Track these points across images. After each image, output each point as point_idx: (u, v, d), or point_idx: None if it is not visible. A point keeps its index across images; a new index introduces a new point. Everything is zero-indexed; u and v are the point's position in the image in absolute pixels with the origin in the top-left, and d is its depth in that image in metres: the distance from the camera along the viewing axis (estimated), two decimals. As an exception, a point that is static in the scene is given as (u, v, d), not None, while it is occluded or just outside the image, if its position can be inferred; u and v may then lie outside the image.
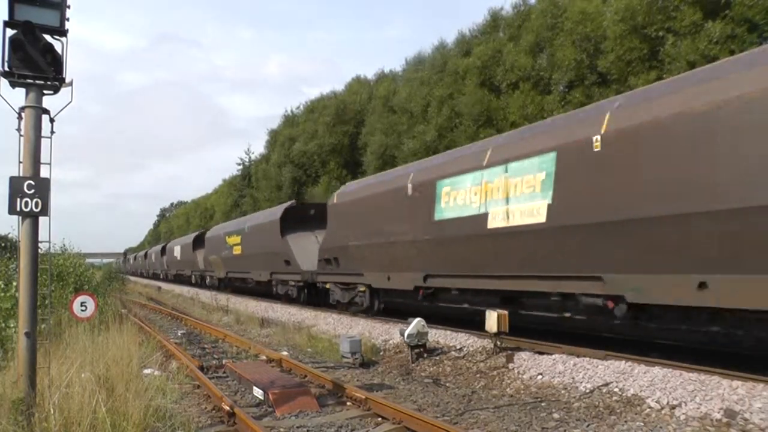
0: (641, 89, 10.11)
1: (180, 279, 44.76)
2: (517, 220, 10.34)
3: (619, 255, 8.56)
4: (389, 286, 14.88)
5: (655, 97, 8.28)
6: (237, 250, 27.14)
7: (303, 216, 21.30)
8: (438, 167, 13.16)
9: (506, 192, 10.69)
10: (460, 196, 11.90)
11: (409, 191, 13.65)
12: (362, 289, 16.35)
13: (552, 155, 9.64)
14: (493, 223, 10.89)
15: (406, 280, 13.97)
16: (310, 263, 19.49)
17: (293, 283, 21.61)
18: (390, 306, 16.20)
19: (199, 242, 36.68)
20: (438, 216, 12.48)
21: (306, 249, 20.20)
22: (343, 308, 17.58)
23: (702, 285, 7.40)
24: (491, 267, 11.21)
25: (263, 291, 25.97)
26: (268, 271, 23.29)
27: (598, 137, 8.79)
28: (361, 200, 16.20)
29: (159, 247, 57.30)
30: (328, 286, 18.27)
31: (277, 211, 22.60)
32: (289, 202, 23.92)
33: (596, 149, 8.81)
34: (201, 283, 37.13)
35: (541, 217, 9.73)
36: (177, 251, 43.63)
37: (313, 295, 20.41)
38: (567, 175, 9.36)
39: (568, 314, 11.41)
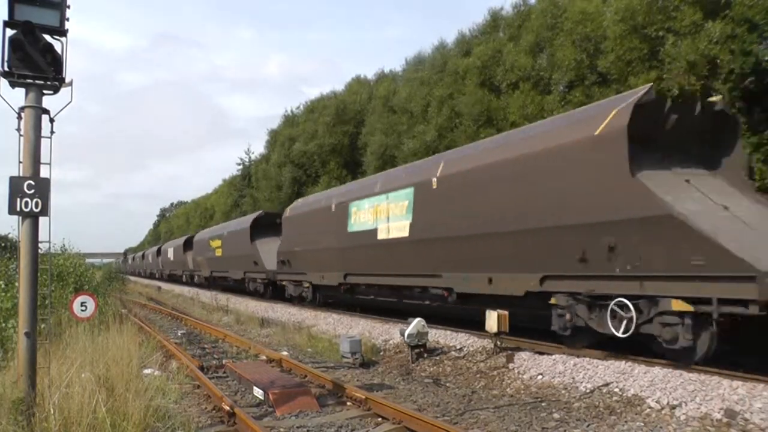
0: (460, 148, 14.66)
1: (173, 278, 48.28)
2: (394, 234, 14.35)
3: (449, 260, 12.49)
4: (323, 282, 18.78)
5: (462, 156, 12.83)
6: (218, 252, 31.16)
7: (270, 224, 25.02)
8: (350, 192, 17.56)
9: (386, 213, 14.76)
10: (362, 215, 16.07)
11: (333, 209, 17.80)
12: (306, 285, 20.30)
13: (411, 189, 13.82)
14: (380, 236, 14.91)
15: (332, 278, 17.83)
16: (272, 264, 23.00)
17: (260, 281, 25.32)
18: (328, 298, 20.08)
19: (188, 245, 40.76)
20: (350, 229, 16.61)
21: (271, 252, 23.43)
22: (295, 301, 21.42)
23: (490, 280, 11.31)
24: (382, 268, 15.18)
25: (239, 288, 29.00)
26: (242, 271, 27.17)
27: (435, 179, 12.95)
28: (303, 214, 20.43)
29: (155, 248, 61.91)
30: (284, 283, 22.22)
31: (248, 219, 26.97)
32: (257, 213, 28.06)
33: (434, 187, 12.95)
34: (191, 282, 40.84)
35: (406, 233, 13.85)
36: (170, 253, 47.94)
37: (275, 291, 23.90)
38: (419, 204, 13.46)
39: (427, 302, 15.27)
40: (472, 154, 12.42)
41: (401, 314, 14.53)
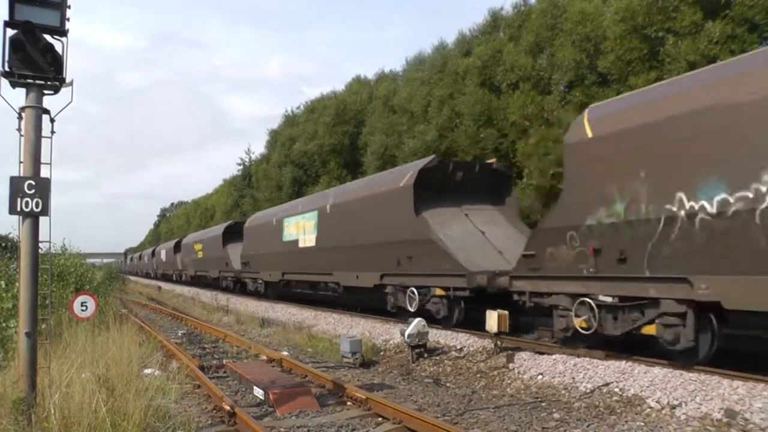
0: (347, 184, 20.70)
1: (166, 277, 52.74)
2: (307, 243, 19.34)
3: (340, 262, 16.97)
4: (270, 279, 23.89)
5: (342, 191, 18.36)
6: (200, 255, 36.36)
7: (239, 231, 28.89)
8: (285, 210, 22.84)
9: (303, 228, 19.84)
10: (291, 228, 21.10)
11: (274, 223, 22.85)
12: (260, 281, 25.49)
13: (316, 212, 18.93)
14: (301, 245, 19.93)
15: (275, 275, 22.90)
16: (238, 264, 28.02)
17: (230, 278, 30.54)
18: (274, 292, 24.87)
19: (178, 247, 45.84)
20: (284, 239, 21.58)
21: (237, 255, 28.30)
22: (253, 295, 26.47)
23: (357, 276, 15.96)
24: (304, 269, 20.09)
25: (215, 284, 33.38)
26: (218, 270, 32.37)
27: (329, 206, 18.08)
28: (258, 226, 25.53)
29: (150, 250, 68.05)
30: (246, 280, 27.31)
31: (221, 227, 32.66)
32: (228, 222, 33.84)
33: (329, 211, 18.01)
34: (179, 280, 46.08)
35: (313, 243, 18.88)
36: (163, 254, 53.27)
37: (241, 287, 28.69)
38: (321, 223, 18.45)
39: (331, 293, 19.31)
40: (347, 191, 18.03)
41: (318, 303, 20.77)
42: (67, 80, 5.52)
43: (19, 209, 5.27)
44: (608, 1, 17.60)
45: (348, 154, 32.09)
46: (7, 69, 5.25)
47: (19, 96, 5.43)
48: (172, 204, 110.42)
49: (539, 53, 19.99)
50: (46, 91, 5.49)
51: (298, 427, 6.59)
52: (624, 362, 8.43)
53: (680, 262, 7.68)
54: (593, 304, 8.94)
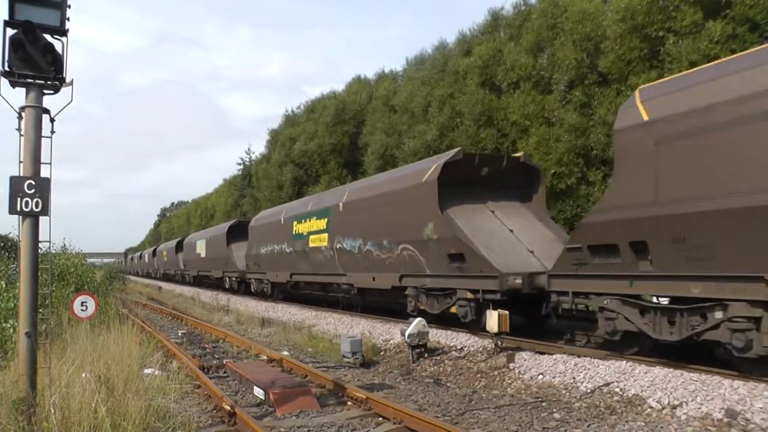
0: (362, 180, 19.68)
1: (167, 277, 51.67)
2: (318, 243, 18.58)
3: (354, 263, 16.32)
4: (277, 280, 23.15)
5: (362, 187, 17.09)
6: (203, 254, 35.55)
7: (243, 230, 28.20)
8: (293, 209, 22.06)
9: (314, 227, 18.98)
10: (300, 227, 20.28)
11: (282, 221, 22.14)
12: (266, 282, 24.62)
13: (328, 210, 18.16)
14: (311, 244, 19.15)
15: (283, 276, 22.15)
16: (243, 264, 27.43)
17: (234, 279, 29.65)
18: (281, 293, 24.25)
19: (179, 247, 45.09)
20: (293, 238, 20.67)
21: (242, 255, 27.67)
22: (259, 296, 25.56)
23: (374, 278, 15.31)
24: (314, 269, 19.36)
25: (218, 285, 32.63)
26: (221, 270, 31.56)
27: (342, 203, 17.23)
28: (264, 225, 24.67)
29: (151, 249, 67.14)
30: (251, 280, 26.44)
31: (225, 226, 31.77)
32: (233, 221, 32.94)
33: (342, 210, 17.22)
34: (181, 281, 44.97)
35: (325, 242, 18.03)
36: (164, 254, 52.36)
37: (246, 287, 27.83)
38: (334, 221, 17.62)
39: (344, 295, 18.33)
40: (363, 187, 16.90)
41: (330, 304, 19.90)
42: (67, 80, 5.51)
43: (19, 209, 5.26)
44: (608, 0, 17.59)
45: (348, 153, 32.09)
46: (7, 69, 5.24)
47: (19, 96, 5.43)
48: (173, 204, 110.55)
49: (540, 53, 19.99)
50: (46, 91, 5.48)
51: (298, 427, 6.59)
52: (624, 362, 8.42)
53: (756, 259, 6.85)
54: (646, 305, 8.28)
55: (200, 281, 37.93)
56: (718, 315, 7.44)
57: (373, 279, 15.40)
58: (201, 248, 35.94)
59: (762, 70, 7.04)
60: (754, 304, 7.04)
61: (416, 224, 12.98)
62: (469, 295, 11.66)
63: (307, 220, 19.68)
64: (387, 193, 14.70)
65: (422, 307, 13.33)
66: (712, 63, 8.63)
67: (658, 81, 9.39)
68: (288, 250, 21.26)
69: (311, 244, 19.11)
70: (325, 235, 18.00)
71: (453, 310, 12.36)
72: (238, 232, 29.45)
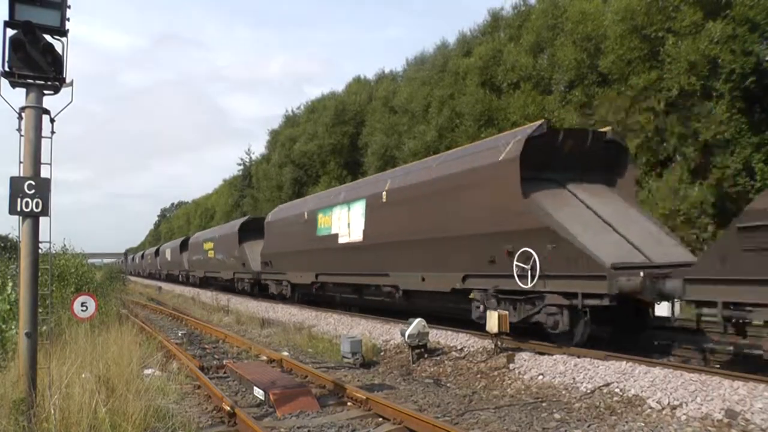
0: (411, 164, 16.38)
1: (170, 278, 49.87)
2: (352, 238, 16.10)
3: (400, 261, 13.92)
4: (300, 281, 20.54)
5: (412, 170, 14.42)
6: (210, 254, 33.21)
7: (256, 228, 26.07)
8: (319, 201, 19.58)
9: (346, 220, 16.52)
10: (327, 220, 17.87)
11: (305, 215, 19.57)
12: (285, 284, 22.23)
13: (364, 200, 15.65)
14: (341, 240, 16.64)
15: (306, 277, 19.61)
16: (257, 265, 24.90)
17: (247, 280, 27.39)
18: (304, 296, 21.72)
19: (184, 246, 42.79)
20: (319, 233, 18.25)
21: (256, 254, 25.23)
22: (277, 298, 23.32)
23: (423, 278, 13.12)
24: (345, 269, 16.71)
25: (229, 287, 30.50)
26: (232, 271, 29.32)
27: (385, 192, 14.63)
28: (282, 220, 22.26)
29: (154, 249, 64.49)
30: (267, 282, 24.24)
31: (237, 224, 29.16)
32: (245, 217, 30.70)
33: (385, 199, 14.58)
34: (186, 282, 42.70)
35: (360, 238, 15.57)
36: (168, 253, 49.89)
37: (260, 290, 25.88)
38: (372, 213, 15.14)
39: (384, 298, 15.57)
40: (414, 171, 14.41)
41: (365, 310, 17.27)
42: (68, 80, 5.52)
43: (19, 209, 5.27)
44: (608, 1, 17.61)
45: (348, 154, 32.13)
46: (7, 69, 5.25)
47: (19, 96, 5.44)
48: (173, 204, 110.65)
49: (540, 53, 20.01)
50: (46, 91, 5.49)
51: (298, 428, 6.59)
52: (624, 363, 8.41)
53: None
54: None
55: (208, 283, 35.66)
56: None
57: (423, 279, 13.11)
58: (209, 248, 33.67)
59: None
60: None
61: (489, 212, 10.80)
62: (562, 300, 9.45)
63: (337, 212, 17.26)
64: (447, 177, 12.30)
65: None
66: None
67: None
68: (312, 247, 18.78)
69: (342, 240, 16.65)
70: (361, 230, 15.64)
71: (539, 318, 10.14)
72: (251, 230, 27.06)
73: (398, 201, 14.03)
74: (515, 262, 10.06)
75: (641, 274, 8.34)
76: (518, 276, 10.03)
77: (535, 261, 9.69)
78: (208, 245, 33.75)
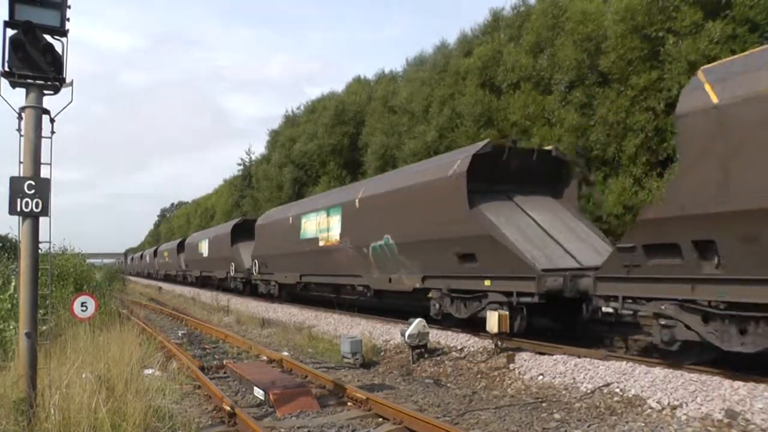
0: (380, 176, 18.82)
1: (168, 278, 50.66)
2: (330, 242, 17.42)
3: (370, 263, 15.05)
4: (285, 281, 22.02)
5: (380, 181, 16.03)
6: (206, 254, 34.24)
7: (248, 229, 27.01)
8: (303, 206, 20.91)
9: (326, 225, 17.85)
10: (310, 225, 19.14)
11: (290, 220, 20.87)
12: (273, 284, 23.44)
13: (340, 207, 17.01)
14: (321, 243, 18.00)
15: (292, 277, 21.10)
16: (249, 265, 25.80)
17: (240, 280, 28.32)
18: (289, 295, 23.14)
19: (181, 247, 43.90)
20: (302, 237, 19.61)
21: (248, 254, 26.29)
22: (265, 297, 24.51)
23: (390, 279, 14.37)
24: (326, 270, 18.30)
25: (223, 286, 31.59)
26: (225, 271, 30.14)
27: (358, 199, 15.91)
28: (271, 224, 23.49)
29: (152, 250, 66.08)
30: (257, 281, 25.24)
31: (230, 225, 30.30)
32: (238, 219, 31.70)
33: (357, 206, 15.88)
34: (183, 281, 43.74)
35: (337, 240, 16.86)
36: (166, 254, 51.06)
37: (252, 289, 26.85)
38: (347, 219, 16.42)
39: (358, 297, 17.77)
40: (382, 182, 15.90)
41: (341, 307, 18.04)
42: (67, 80, 5.52)
43: (19, 210, 5.27)
44: (609, 0, 17.61)
45: (348, 154, 32.08)
46: (7, 69, 5.25)
47: (19, 96, 5.44)
48: (172, 204, 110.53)
49: (540, 53, 19.99)
50: (46, 92, 5.49)
51: (298, 428, 6.59)
52: (625, 363, 8.41)
53: None
54: (710, 312, 7.46)
55: (203, 282, 36.97)
56: None
57: (390, 281, 14.41)
58: (204, 248, 34.82)
59: None
60: None
61: (442, 221, 11.96)
62: (502, 298, 10.73)
63: (318, 217, 18.56)
64: (408, 188, 13.59)
65: (447, 311, 12.40)
66: None
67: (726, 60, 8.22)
68: (297, 249, 20.14)
69: (322, 243, 18.00)
70: (338, 234, 16.89)
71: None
72: (243, 231, 28.20)
73: (369, 208, 15.30)
74: (464, 265, 11.52)
75: (565, 275, 9.76)
76: (469, 278, 11.48)
77: (479, 264, 11.17)
78: (203, 245, 34.96)
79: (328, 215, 17.76)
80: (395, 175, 15.73)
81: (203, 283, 36.75)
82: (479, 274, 11.23)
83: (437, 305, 12.60)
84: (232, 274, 29.12)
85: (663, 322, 8.09)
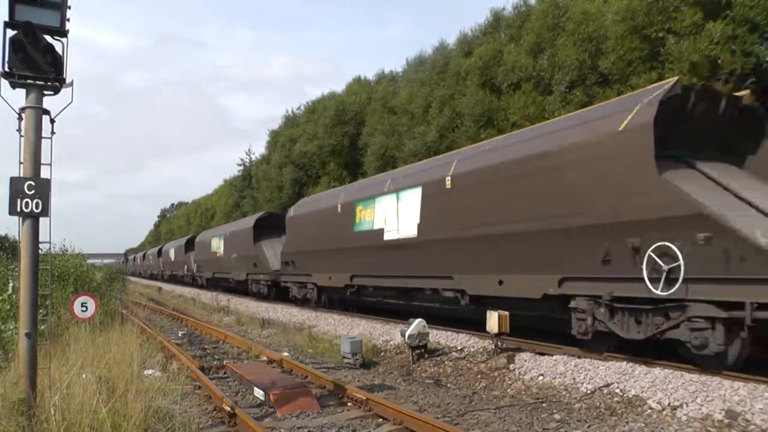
0: (485, 143, 13.31)
1: (174, 279, 47.85)
2: (402, 234, 14.01)
3: (468, 261, 11.81)
4: (329, 284, 18.12)
5: (489, 149, 11.88)
6: (220, 253, 30.86)
7: (273, 224, 24.47)
8: (357, 191, 17.18)
9: (395, 213, 14.40)
10: (369, 213, 15.66)
11: (339, 208, 17.38)
12: (311, 287, 19.83)
13: (419, 188, 13.46)
14: (387, 237, 14.55)
15: (339, 279, 17.29)
16: (276, 265, 22.69)
17: (263, 282, 24.88)
18: (333, 300, 19.40)
19: (190, 245, 40.43)
20: (357, 229, 16.12)
21: (274, 253, 23.26)
22: (299, 303, 20.92)
23: (501, 282, 10.90)
24: (390, 270, 14.64)
25: (241, 289, 28.49)
26: (245, 272, 26.87)
27: (449, 177, 12.40)
28: (308, 214, 19.87)
29: (156, 249, 62.11)
30: (288, 284, 21.72)
31: (251, 220, 26.45)
32: (261, 213, 27.86)
33: (449, 185, 12.38)
34: (193, 283, 40.29)
35: (414, 233, 13.47)
36: (171, 253, 47.72)
37: (279, 292, 23.54)
38: (430, 203, 13.04)
39: (440, 305, 13.70)
40: (491, 150, 11.75)
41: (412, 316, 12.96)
42: (68, 81, 5.52)
43: (19, 210, 5.27)
44: (609, 1, 17.61)
45: (348, 155, 32.07)
46: (7, 69, 5.25)
47: (19, 96, 5.44)
48: (172, 204, 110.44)
49: (540, 54, 19.99)
50: (46, 92, 5.49)
51: (298, 428, 6.59)
52: (625, 363, 8.41)
53: None
54: None
55: (217, 285, 33.19)
56: None
57: (501, 283, 10.81)
58: (218, 246, 31.10)
59: None
60: None
61: (606, 198, 8.55)
62: (714, 312, 7.32)
63: (382, 204, 14.94)
64: (539, 156, 9.89)
65: (602, 329, 8.93)
66: None
67: None
68: (348, 245, 16.55)
69: (388, 236, 14.39)
70: (415, 224, 13.37)
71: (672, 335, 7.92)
72: (267, 228, 24.97)
73: (467, 187, 11.72)
74: (646, 262, 7.89)
75: None
76: (650, 279, 7.86)
77: (678, 260, 7.50)
78: (217, 244, 31.46)
79: (398, 200, 14.23)
80: (506, 143, 11.65)
81: (217, 285, 33.11)
82: (676, 276, 7.58)
83: (587, 320, 9.07)
84: (253, 275, 25.97)
85: None
